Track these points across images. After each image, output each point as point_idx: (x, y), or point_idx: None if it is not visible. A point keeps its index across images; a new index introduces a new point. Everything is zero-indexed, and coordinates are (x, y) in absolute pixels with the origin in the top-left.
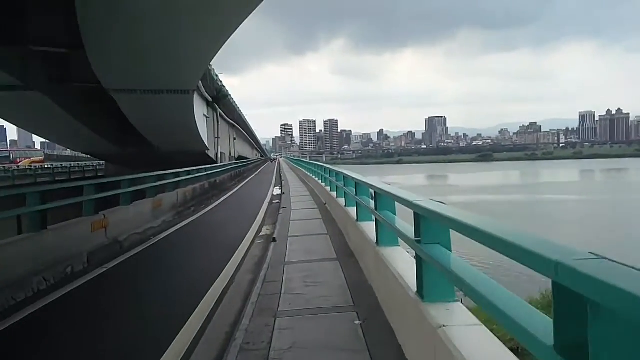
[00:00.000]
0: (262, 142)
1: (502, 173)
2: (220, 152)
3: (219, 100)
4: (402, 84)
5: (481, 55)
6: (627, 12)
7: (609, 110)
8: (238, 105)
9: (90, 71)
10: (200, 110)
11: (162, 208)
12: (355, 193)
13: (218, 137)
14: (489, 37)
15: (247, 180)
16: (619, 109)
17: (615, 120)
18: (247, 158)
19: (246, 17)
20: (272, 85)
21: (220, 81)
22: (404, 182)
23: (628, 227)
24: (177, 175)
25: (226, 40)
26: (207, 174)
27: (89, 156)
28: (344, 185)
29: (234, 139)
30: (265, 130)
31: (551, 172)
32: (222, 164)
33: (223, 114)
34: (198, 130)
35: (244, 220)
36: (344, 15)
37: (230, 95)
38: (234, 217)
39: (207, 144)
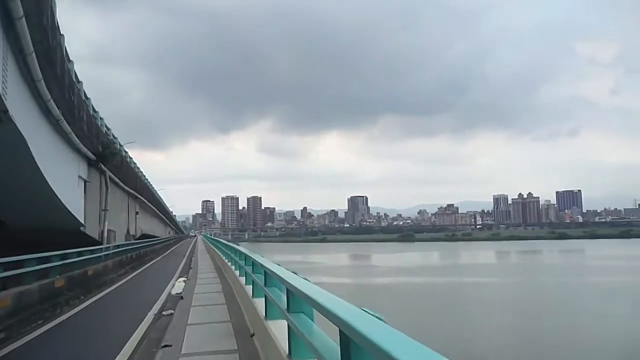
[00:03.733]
0: (182, 218)
1: (424, 254)
2: (108, 230)
3: (106, 158)
4: (326, 164)
5: (402, 139)
6: (533, 105)
7: (520, 194)
8: (143, 172)
9: None
10: (68, 168)
11: None
12: None
13: (106, 210)
14: (408, 123)
15: (142, 268)
16: (529, 193)
17: (527, 204)
18: (155, 236)
19: None
20: (194, 162)
21: (113, 136)
22: (329, 261)
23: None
24: None
25: None
26: (36, 270)
27: None
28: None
29: (136, 213)
30: (186, 207)
31: (471, 253)
32: (103, 246)
33: (117, 180)
34: (57, 196)
35: None
36: (272, 98)
37: (126, 154)
38: None
39: (81, 219)
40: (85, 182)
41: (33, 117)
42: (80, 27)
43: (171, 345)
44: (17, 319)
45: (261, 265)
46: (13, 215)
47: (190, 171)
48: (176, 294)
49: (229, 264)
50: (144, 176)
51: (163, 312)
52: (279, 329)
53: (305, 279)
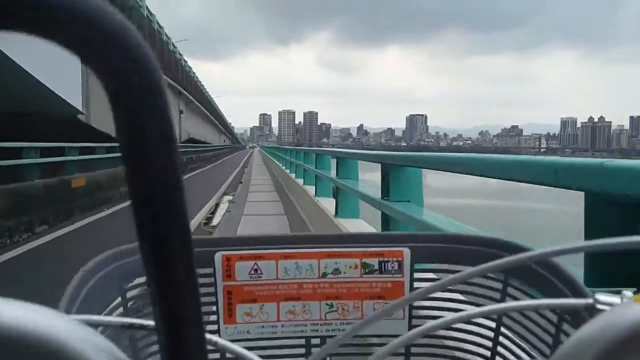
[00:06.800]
0: (240, 130)
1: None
2: None
3: None
4: (385, 81)
5: (465, 57)
6: (608, 24)
7: (591, 117)
8: (190, 66)
9: None
10: None
11: None
12: None
13: None
14: (474, 39)
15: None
16: (601, 116)
17: (597, 128)
18: (206, 143)
19: None
20: (253, 74)
21: None
22: (379, 180)
23: None
24: None
25: None
26: None
27: None
28: None
29: (180, 112)
30: (244, 120)
31: None
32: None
33: None
34: (13, 61)
35: None
36: (331, 9)
37: (162, 30)
38: None
39: (76, 104)
40: None
41: None
42: None
43: None
44: None
45: None
46: None
47: (249, 84)
48: (209, 226)
49: (297, 179)
50: (192, 70)
51: None
52: None
53: None
